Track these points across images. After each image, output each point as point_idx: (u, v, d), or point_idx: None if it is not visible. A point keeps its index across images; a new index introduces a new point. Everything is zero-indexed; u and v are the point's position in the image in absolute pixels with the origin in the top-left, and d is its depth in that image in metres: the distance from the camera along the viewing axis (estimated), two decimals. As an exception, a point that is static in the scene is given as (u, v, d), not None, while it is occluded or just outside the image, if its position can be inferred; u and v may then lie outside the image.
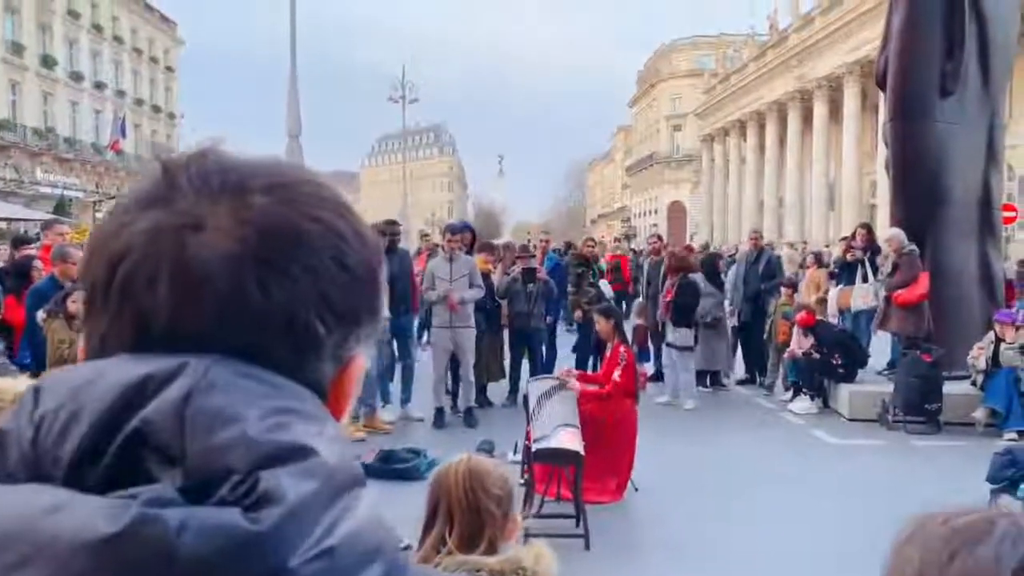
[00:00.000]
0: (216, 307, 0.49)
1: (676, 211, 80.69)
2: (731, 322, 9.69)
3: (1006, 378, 7.54)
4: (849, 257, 9.43)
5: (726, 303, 9.93)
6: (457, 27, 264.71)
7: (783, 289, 9.28)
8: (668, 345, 8.83)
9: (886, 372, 8.84)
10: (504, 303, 8.57)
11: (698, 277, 9.64)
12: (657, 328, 9.49)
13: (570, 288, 9.34)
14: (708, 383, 9.75)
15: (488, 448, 6.45)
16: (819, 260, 10.58)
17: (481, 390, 8.50)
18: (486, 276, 8.22)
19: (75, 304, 5.33)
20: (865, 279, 9.19)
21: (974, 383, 7.96)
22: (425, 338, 8.55)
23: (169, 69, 52.17)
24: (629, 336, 10.45)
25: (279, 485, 0.44)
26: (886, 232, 8.55)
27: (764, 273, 9.75)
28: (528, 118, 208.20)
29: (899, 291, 8.15)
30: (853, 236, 9.94)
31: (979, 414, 7.56)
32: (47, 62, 38.59)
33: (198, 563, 0.41)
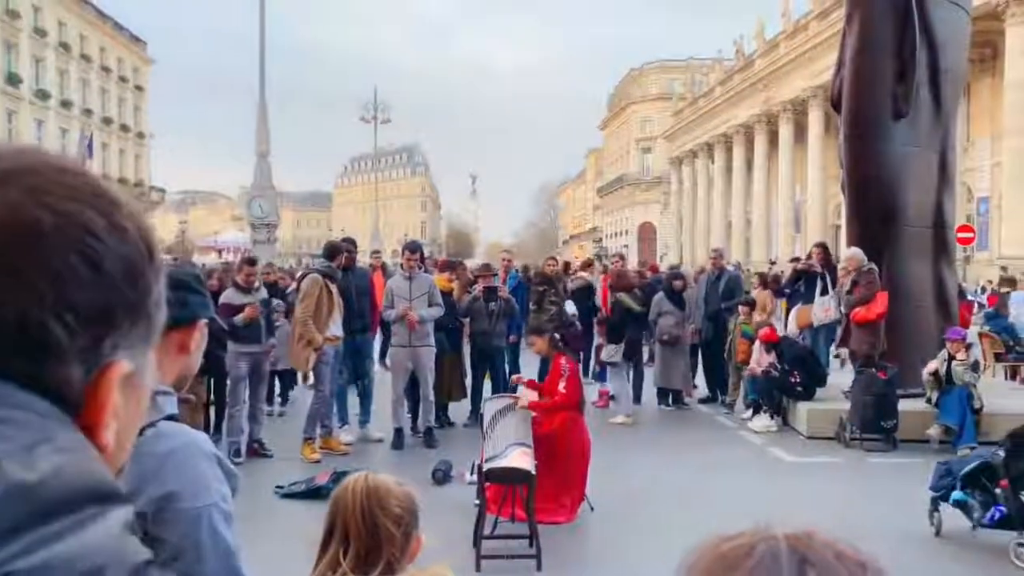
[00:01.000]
0: None
1: (647, 232, 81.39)
2: (690, 340, 9.74)
3: (958, 396, 7.64)
4: (804, 267, 9.58)
5: (690, 322, 10.01)
6: (432, 49, 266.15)
7: (741, 308, 9.36)
8: (602, 362, 9.00)
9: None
10: (466, 322, 8.56)
11: (660, 296, 9.74)
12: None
13: (531, 306, 9.35)
14: (670, 401, 9.79)
15: (445, 469, 6.40)
16: (764, 281, 10.72)
17: (443, 409, 8.45)
18: (447, 294, 8.20)
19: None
20: (825, 292, 9.31)
21: (929, 400, 8.06)
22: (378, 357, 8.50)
23: (139, 88, 51.78)
24: (592, 356, 10.61)
25: None
26: (846, 251, 8.68)
27: (724, 292, 9.84)
28: (501, 140, 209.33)
29: (858, 309, 8.25)
30: (809, 256, 10.08)
31: (933, 431, 7.65)
32: (12, 80, 38.14)
33: None
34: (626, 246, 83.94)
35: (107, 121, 47.08)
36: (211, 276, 7.62)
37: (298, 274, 8.90)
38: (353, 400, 8.03)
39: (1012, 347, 11.14)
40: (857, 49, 8.79)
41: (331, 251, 7.32)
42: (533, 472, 4.71)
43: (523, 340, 9.86)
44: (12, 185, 0.48)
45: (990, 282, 26.20)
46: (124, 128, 49.43)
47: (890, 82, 8.71)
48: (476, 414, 8.31)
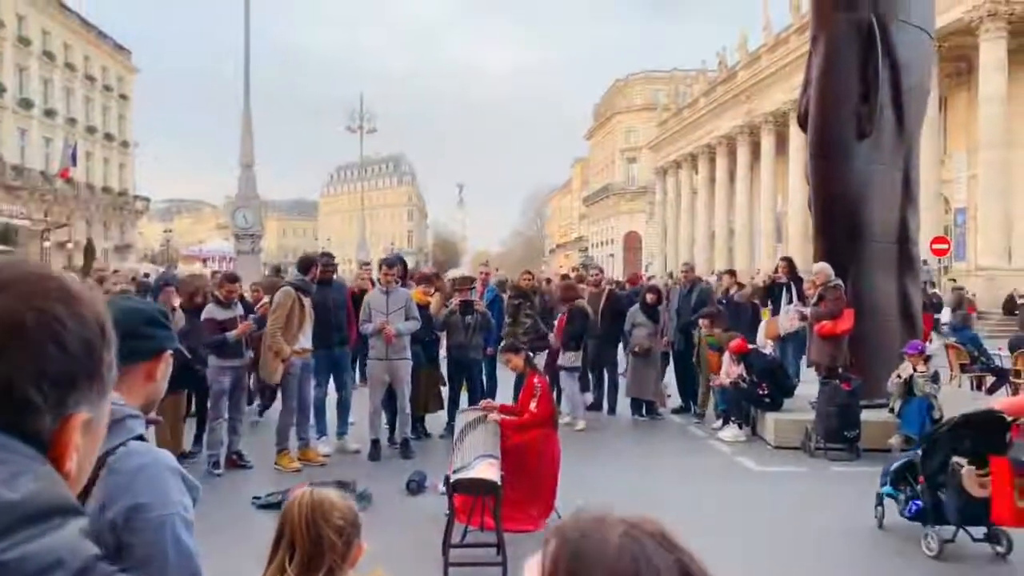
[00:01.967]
0: None
1: (632, 241, 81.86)
2: (661, 351, 9.99)
3: (919, 406, 7.90)
4: (771, 280, 9.85)
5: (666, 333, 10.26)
6: (419, 59, 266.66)
7: (702, 321, 9.61)
8: (560, 368, 9.24)
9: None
10: (443, 335, 8.76)
11: (634, 308, 9.98)
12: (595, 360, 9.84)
13: (507, 319, 9.56)
14: (644, 411, 10.01)
15: (419, 479, 6.58)
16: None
17: (420, 421, 8.62)
18: (424, 308, 8.39)
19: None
20: (790, 302, 9.58)
21: (891, 410, 8.31)
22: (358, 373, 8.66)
23: (123, 97, 51.72)
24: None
25: None
26: (814, 266, 8.94)
27: (696, 304, 10.08)
28: (489, 148, 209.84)
29: (823, 323, 8.50)
30: (776, 269, 10.36)
31: (895, 440, 7.90)
32: (-5, 89, 38.08)
33: None
34: (612, 255, 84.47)
35: (91, 130, 47.02)
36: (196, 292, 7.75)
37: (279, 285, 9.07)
38: (332, 412, 8.20)
39: (976, 358, 11.44)
40: (822, 70, 9.08)
41: (305, 264, 7.52)
42: (499, 483, 4.90)
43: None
44: (9, 292, 0.70)
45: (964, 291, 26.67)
46: (108, 137, 49.35)
47: (854, 102, 9.00)
48: (452, 425, 8.51)
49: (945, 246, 25.64)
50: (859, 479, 7.22)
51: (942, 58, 31.89)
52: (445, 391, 8.80)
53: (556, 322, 9.57)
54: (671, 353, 10.35)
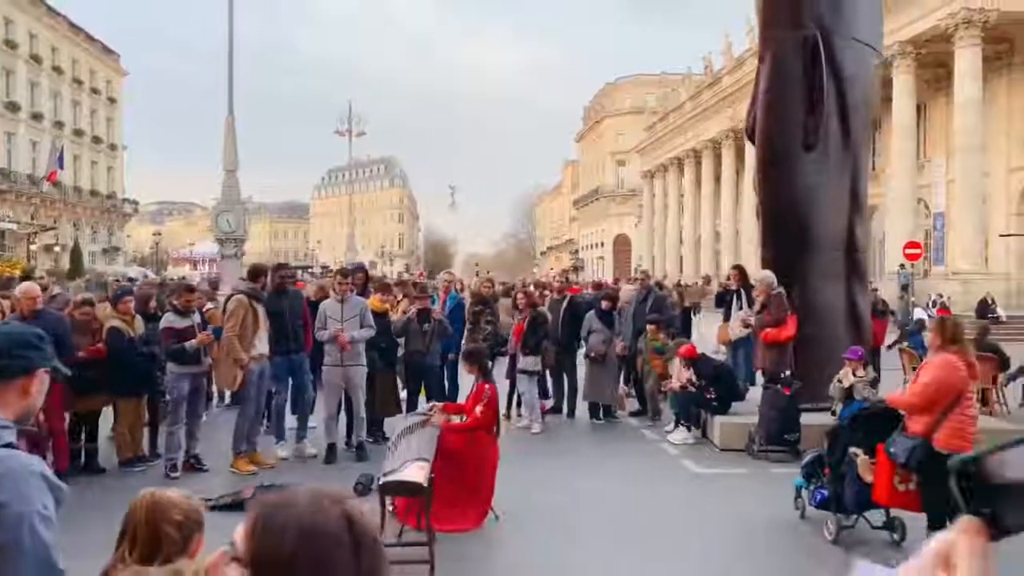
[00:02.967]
0: None
1: (622, 244, 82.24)
2: (616, 355, 10.28)
3: (857, 410, 8.20)
4: (723, 287, 10.16)
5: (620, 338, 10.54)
6: (412, 62, 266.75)
7: (649, 327, 9.92)
8: (520, 371, 9.52)
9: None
10: (401, 341, 9.03)
11: (591, 314, 10.27)
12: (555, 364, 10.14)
13: (468, 326, 9.83)
14: (601, 415, 10.29)
15: (366, 481, 6.84)
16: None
17: (378, 425, 8.88)
18: (382, 315, 8.66)
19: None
20: (740, 308, 9.88)
21: (833, 413, 8.61)
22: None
23: (111, 100, 51.84)
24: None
25: None
26: (758, 275, 9.24)
27: (651, 310, 10.38)
28: (481, 150, 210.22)
29: (767, 330, 8.80)
30: (728, 277, 10.67)
31: (833, 443, 8.20)
32: (-18, 93, 38.21)
33: None
34: (602, 258, 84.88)
35: (79, 133, 47.16)
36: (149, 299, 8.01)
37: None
38: (290, 417, 8.46)
39: (929, 362, 11.74)
40: (769, 84, 9.39)
41: (254, 273, 7.80)
42: (425, 485, 5.17)
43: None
44: None
45: (940, 295, 27.08)
46: (96, 140, 49.49)
47: (800, 115, 9.31)
48: (410, 429, 8.80)
49: (918, 250, 26.02)
50: (795, 479, 7.53)
51: (920, 65, 32.37)
52: (404, 395, 9.08)
53: (514, 327, 9.84)
54: (628, 358, 10.63)
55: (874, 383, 8.61)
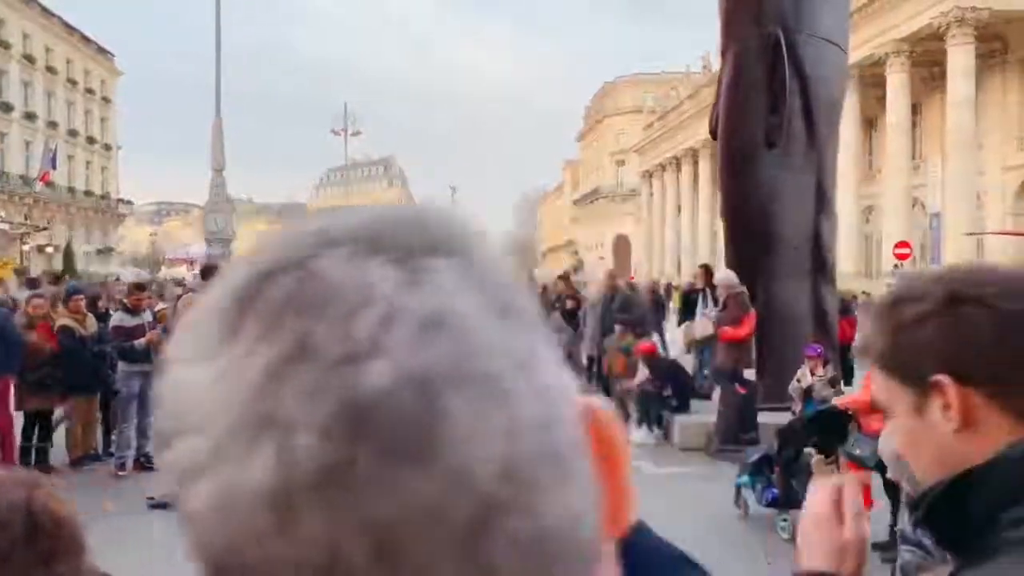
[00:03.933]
0: None
1: (622, 245, 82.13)
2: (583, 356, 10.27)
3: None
4: (688, 288, 10.14)
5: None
6: (412, 62, 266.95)
7: (617, 326, 9.88)
8: None
9: None
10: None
11: (556, 315, 10.24)
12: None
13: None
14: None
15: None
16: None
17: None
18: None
19: None
20: (706, 307, 9.86)
21: (793, 412, 8.57)
22: None
23: (106, 100, 51.91)
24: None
25: None
26: (717, 274, 9.20)
27: (616, 311, 10.35)
28: (482, 151, 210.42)
29: (725, 329, 8.76)
30: (694, 276, 10.65)
31: (791, 443, 8.16)
32: (-25, 93, 38.29)
33: None
34: (602, 258, 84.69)
35: (73, 133, 47.22)
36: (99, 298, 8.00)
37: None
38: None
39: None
40: (730, 83, 9.35)
41: (205, 272, 7.79)
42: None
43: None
44: None
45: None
46: (91, 140, 49.57)
47: (762, 113, 9.27)
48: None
49: (907, 250, 25.93)
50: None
51: (915, 63, 32.27)
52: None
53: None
54: (595, 358, 10.61)
55: (834, 382, 8.57)
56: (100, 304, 7.96)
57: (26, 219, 41.26)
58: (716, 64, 49.19)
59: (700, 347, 10.08)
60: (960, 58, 28.99)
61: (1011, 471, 0.84)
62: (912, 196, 32.26)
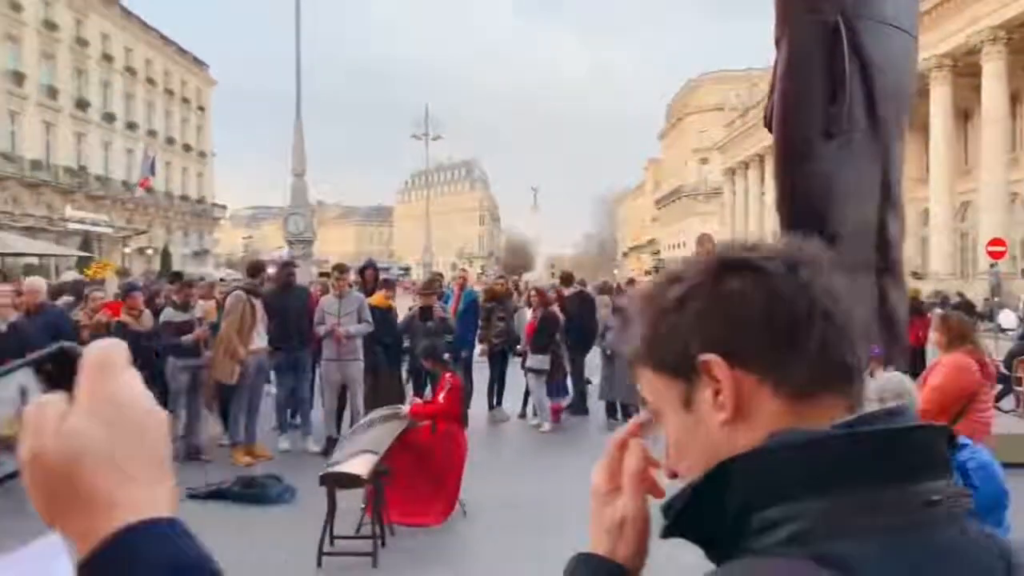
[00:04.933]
0: None
1: (704, 243, 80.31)
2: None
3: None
4: None
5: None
6: (495, 66, 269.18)
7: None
8: (527, 370, 9.38)
9: None
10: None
11: (607, 311, 10.07)
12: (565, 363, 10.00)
13: (480, 323, 9.80)
14: (619, 415, 10.06)
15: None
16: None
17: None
18: (387, 311, 8.74)
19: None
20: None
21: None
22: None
23: (201, 108, 54.26)
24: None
25: None
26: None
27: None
28: (564, 152, 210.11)
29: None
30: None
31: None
32: (81, 104, 40.60)
33: None
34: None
35: (170, 141, 49.54)
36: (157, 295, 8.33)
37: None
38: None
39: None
40: (785, 72, 8.94)
41: (253, 269, 8.01)
42: (365, 477, 5.17)
43: (474, 355, 10.40)
44: None
45: (1031, 297, 25.32)
46: (187, 147, 51.89)
47: (820, 103, 8.86)
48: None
49: (1002, 248, 24.37)
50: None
51: (1012, 51, 30.40)
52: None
53: (526, 325, 9.76)
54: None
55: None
56: (157, 301, 8.28)
57: (128, 223, 43.53)
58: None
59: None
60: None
61: (767, 466, 0.71)
62: (1010, 191, 30.40)
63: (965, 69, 31.60)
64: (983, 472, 1.80)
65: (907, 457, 0.70)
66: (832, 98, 9.19)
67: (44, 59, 37.88)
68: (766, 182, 55.78)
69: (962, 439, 1.89)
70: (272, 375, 8.46)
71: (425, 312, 8.90)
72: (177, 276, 8.08)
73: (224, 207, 59.31)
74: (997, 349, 12.14)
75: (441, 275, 11.53)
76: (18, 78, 35.77)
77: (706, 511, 0.73)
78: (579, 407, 10.50)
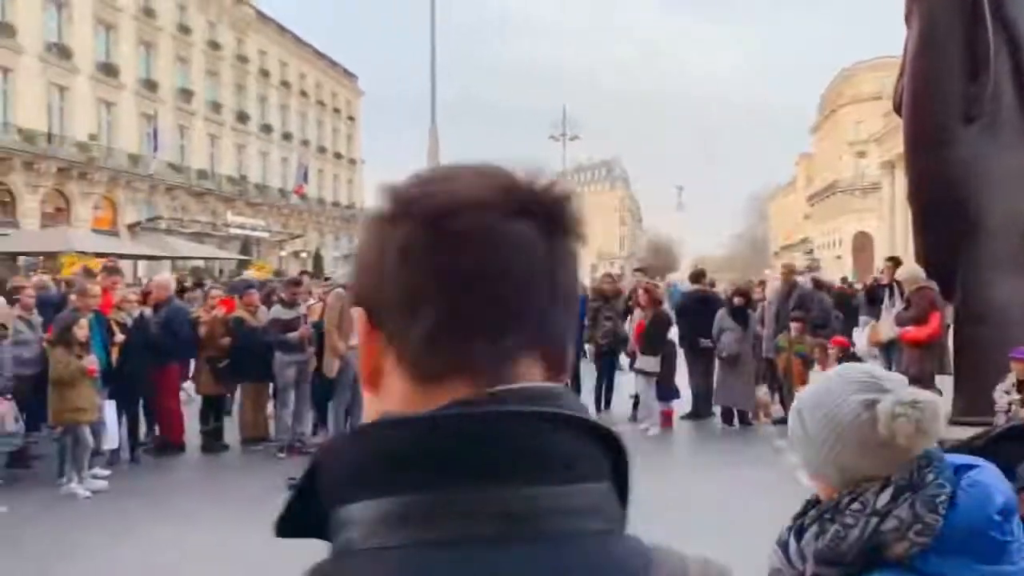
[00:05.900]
0: None
1: (862, 243, 75.92)
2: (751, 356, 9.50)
3: None
4: (871, 283, 9.03)
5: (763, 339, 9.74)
6: (635, 63, 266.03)
7: (793, 325, 8.95)
8: (637, 371, 9.01)
9: None
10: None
11: (722, 313, 9.60)
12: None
13: (586, 322, 9.59)
14: (734, 421, 9.56)
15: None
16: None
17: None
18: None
19: (82, 331, 6.48)
20: (893, 305, 8.76)
21: (993, 428, 7.34)
22: None
23: (351, 118, 56.93)
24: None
25: None
26: (900, 270, 8.12)
27: (793, 307, 9.46)
28: (709, 149, 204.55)
29: (907, 329, 7.71)
30: (882, 271, 9.45)
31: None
32: (241, 117, 43.63)
33: None
34: (839, 257, 78.90)
35: (322, 149, 52.28)
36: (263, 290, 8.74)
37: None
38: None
39: None
40: (917, 50, 8.17)
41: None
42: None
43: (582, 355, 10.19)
44: None
45: None
46: (337, 155, 54.58)
47: (959, 83, 8.01)
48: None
49: None
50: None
51: None
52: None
53: (635, 326, 9.44)
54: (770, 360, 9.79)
55: (1046, 394, 7.19)
56: (272, 298, 8.66)
57: (283, 227, 46.32)
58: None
59: (886, 349, 8.96)
60: None
61: (339, 457, 0.58)
62: None
63: None
64: (974, 491, 1.48)
65: (485, 453, 0.53)
66: (972, 77, 8.29)
67: (209, 76, 40.97)
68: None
69: (971, 460, 1.58)
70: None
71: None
72: (295, 283, 8.44)
73: (371, 211, 61.92)
74: None
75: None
76: (186, 95, 38.88)
77: (312, 508, 0.59)
78: (700, 411, 10.03)
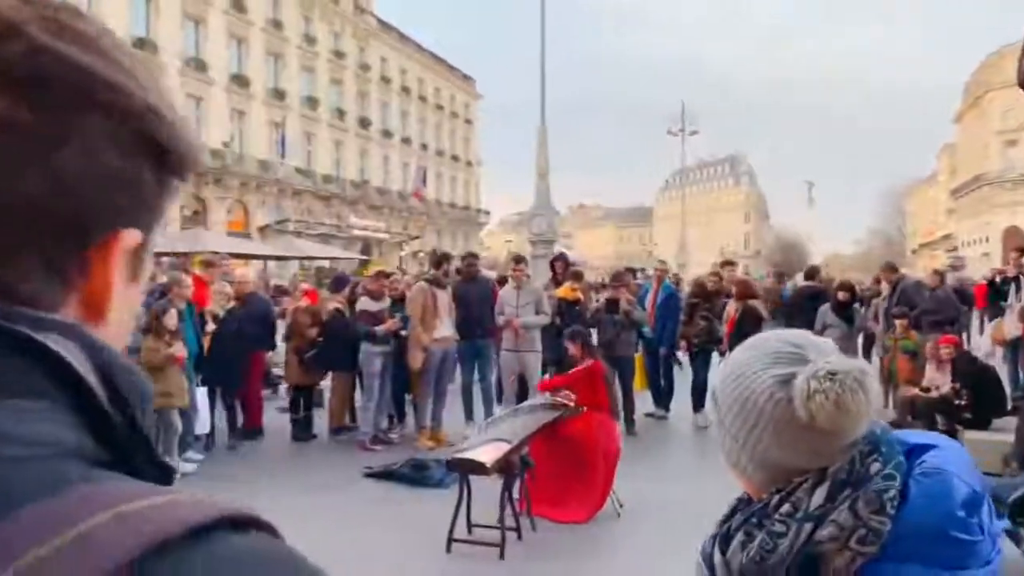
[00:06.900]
0: None
1: (1013, 238, 70.24)
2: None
3: None
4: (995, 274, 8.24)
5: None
6: (761, 57, 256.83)
7: (898, 321, 8.28)
8: None
9: None
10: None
11: (825, 308, 9.04)
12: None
13: (682, 318, 9.24)
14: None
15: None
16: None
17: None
18: (575, 303, 8.56)
19: (171, 320, 6.81)
20: (1020, 300, 7.95)
21: None
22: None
23: (468, 122, 57.87)
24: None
25: None
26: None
27: (898, 304, 8.77)
28: (842, 143, 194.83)
29: (1032, 325, 6.99)
30: (1008, 262, 8.58)
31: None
32: (363, 123, 45.20)
33: None
34: (987, 254, 73.19)
35: (440, 153, 53.41)
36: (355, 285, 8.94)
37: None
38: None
39: None
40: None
41: (436, 261, 8.25)
42: (488, 465, 5.00)
43: (675, 352, 9.83)
44: None
45: None
46: (455, 158, 55.60)
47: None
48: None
49: None
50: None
51: None
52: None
53: (727, 319, 9.02)
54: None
55: None
56: (358, 290, 8.85)
57: (403, 229, 47.65)
58: None
59: (1012, 348, 8.15)
60: None
61: None
62: None
63: None
64: (928, 481, 1.18)
65: None
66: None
67: (333, 84, 42.68)
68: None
69: (929, 438, 1.24)
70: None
71: (611, 305, 8.57)
72: (382, 275, 8.63)
73: (488, 213, 62.73)
74: None
75: (666, 268, 10.89)
76: (313, 103, 40.65)
77: None
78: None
